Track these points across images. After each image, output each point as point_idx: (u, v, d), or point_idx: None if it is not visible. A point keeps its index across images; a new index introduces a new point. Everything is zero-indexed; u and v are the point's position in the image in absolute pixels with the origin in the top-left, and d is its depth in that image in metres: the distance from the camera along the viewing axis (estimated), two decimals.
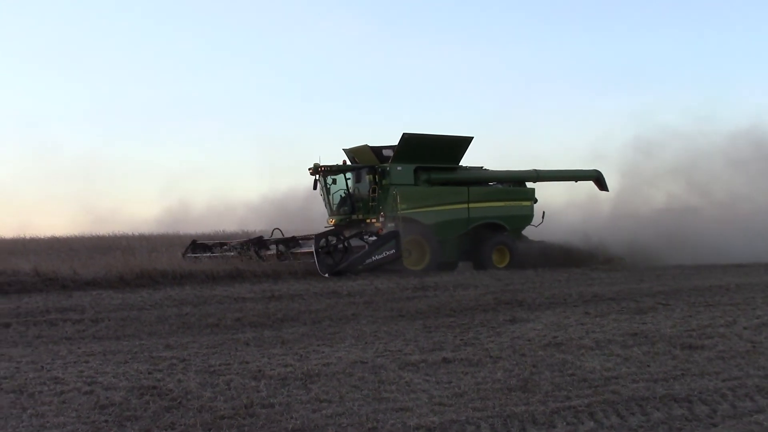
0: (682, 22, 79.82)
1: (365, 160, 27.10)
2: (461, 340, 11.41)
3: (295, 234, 25.75)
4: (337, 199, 26.99)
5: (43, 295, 17.68)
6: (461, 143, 27.45)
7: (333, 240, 23.33)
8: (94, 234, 41.22)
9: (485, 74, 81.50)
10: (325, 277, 21.85)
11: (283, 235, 26.10)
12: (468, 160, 28.25)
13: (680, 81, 76.39)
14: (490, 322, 13.22)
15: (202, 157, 73.60)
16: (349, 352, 10.49)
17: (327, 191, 27.16)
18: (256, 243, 25.56)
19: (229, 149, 74.59)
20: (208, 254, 25.97)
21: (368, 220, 25.64)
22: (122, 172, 69.42)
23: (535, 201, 29.03)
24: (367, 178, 26.23)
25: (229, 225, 41.68)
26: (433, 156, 26.79)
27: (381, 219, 25.30)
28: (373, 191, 25.91)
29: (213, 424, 6.96)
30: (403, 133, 26.16)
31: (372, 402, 7.67)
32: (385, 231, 24.39)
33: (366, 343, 11.30)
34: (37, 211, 66.49)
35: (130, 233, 40.20)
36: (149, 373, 9.16)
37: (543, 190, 30.05)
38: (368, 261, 23.18)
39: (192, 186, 73.06)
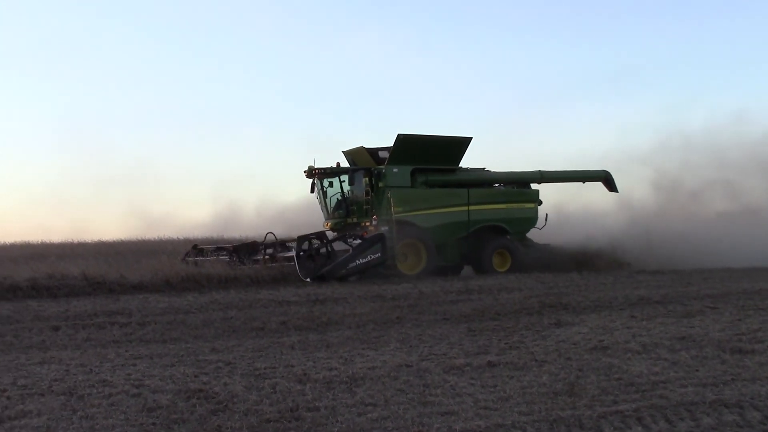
0: (705, 21, 78.54)
1: (362, 162, 26.57)
2: (506, 343, 11.35)
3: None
4: (334, 202, 26.46)
5: (91, 299, 17.92)
6: (460, 144, 26.77)
7: (315, 243, 22.72)
8: (140, 238, 41.65)
9: (494, 74, 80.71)
10: (307, 281, 21.38)
11: (276, 239, 25.43)
12: (471, 161, 27.70)
13: (706, 82, 75.16)
14: (534, 326, 13.13)
15: (252, 162, 73.99)
16: (394, 355, 10.48)
17: (324, 194, 26.61)
18: (244, 248, 24.96)
19: (279, 153, 74.85)
20: (204, 258, 25.40)
21: (363, 224, 25.06)
22: (174, 176, 70.07)
23: (540, 203, 28.27)
24: (362, 180, 25.62)
25: (277, 229, 41.89)
26: (430, 157, 26.12)
27: (373, 222, 24.65)
28: (368, 194, 25.38)
29: (259, 427, 6.99)
30: (398, 134, 25.51)
31: (417, 406, 7.66)
32: (370, 234, 23.68)
33: (410, 346, 11.29)
34: (90, 216, 67.52)
35: (175, 237, 40.58)
36: (195, 377, 9.24)
37: (561, 193, 29.54)
38: (352, 265, 22.49)
39: (242, 190, 73.43)
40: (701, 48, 78.96)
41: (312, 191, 26.76)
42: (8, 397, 8.23)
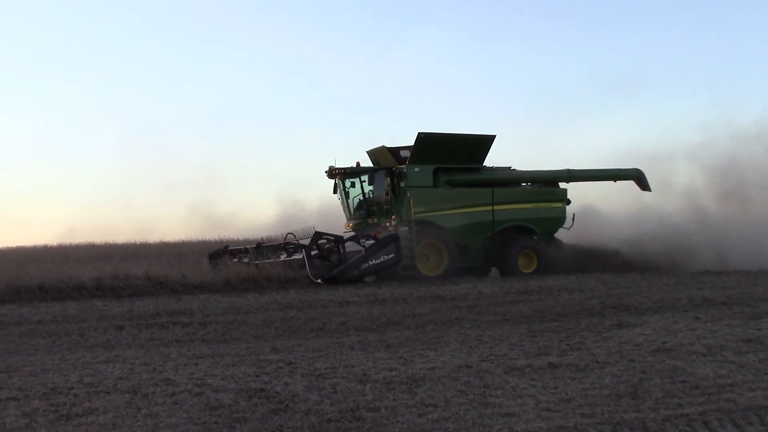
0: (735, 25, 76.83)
1: (384, 162, 26.11)
2: (567, 344, 11.23)
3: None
4: (356, 203, 26.12)
5: (153, 299, 18.20)
6: (483, 142, 26.14)
7: (326, 244, 22.33)
8: (202, 239, 42.18)
9: (525, 73, 79.77)
10: (318, 283, 21.05)
11: (297, 240, 24.60)
12: (498, 161, 27.19)
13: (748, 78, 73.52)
14: (596, 327, 12.98)
15: (316, 163, 74.60)
16: (454, 356, 10.44)
17: (346, 195, 26.27)
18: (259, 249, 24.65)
19: (338, 153, 75.33)
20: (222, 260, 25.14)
21: (383, 224, 24.61)
22: (239, 178, 70.83)
23: (568, 202, 27.52)
24: (383, 180, 25.27)
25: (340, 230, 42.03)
26: (453, 156, 25.57)
27: (392, 222, 24.15)
28: (387, 194, 24.99)
29: (320, 427, 7.02)
30: (419, 133, 24.99)
31: (478, 407, 7.61)
32: (384, 235, 23.25)
33: (470, 347, 11.23)
34: (156, 218, 68.65)
35: (236, 237, 40.98)
36: (257, 376, 9.31)
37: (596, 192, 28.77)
38: (364, 266, 22.07)
39: (306, 191, 73.86)
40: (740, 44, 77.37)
41: (335, 192, 26.49)
42: (75, 395, 8.39)
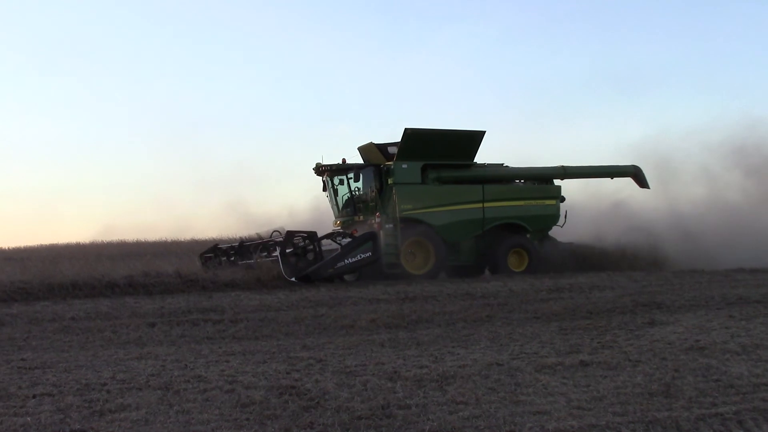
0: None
1: (373, 159, 25.47)
2: (598, 342, 11.16)
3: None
4: (345, 200, 25.40)
5: (185, 296, 18.30)
6: (472, 138, 25.26)
7: (301, 242, 21.92)
8: (233, 237, 42.32)
9: (524, 70, 79.10)
10: (292, 281, 20.69)
11: (281, 236, 23.63)
12: (495, 157, 26.60)
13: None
14: (627, 325, 12.89)
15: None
16: (485, 354, 10.42)
17: (334, 192, 25.54)
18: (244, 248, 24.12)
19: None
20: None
21: (369, 222, 23.99)
22: (274, 176, 71.08)
23: (562, 200, 26.70)
24: (370, 177, 24.70)
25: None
26: (442, 153, 24.82)
27: (376, 220, 23.48)
28: (372, 191, 24.52)
29: (351, 424, 7.02)
30: (406, 129, 24.14)
31: (509, 405, 7.59)
32: (361, 232, 22.77)
33: (501, 345, 11.20)
34: (191, 216, 69.03)
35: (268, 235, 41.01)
36: (287, 373, 9.34)
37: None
38: (340, 264, 21.42)
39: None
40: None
41: (324, 190, 25.92)
42: (108, 391, 8.46)
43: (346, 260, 21.44)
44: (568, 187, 27.67)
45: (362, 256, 21.59)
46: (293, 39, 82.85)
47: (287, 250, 21.56)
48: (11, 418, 7.34)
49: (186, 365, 10.06)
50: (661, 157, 32.11)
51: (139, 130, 75.77)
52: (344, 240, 22.44)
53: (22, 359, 10.87)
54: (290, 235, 21.93)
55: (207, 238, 43.03)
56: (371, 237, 21.97)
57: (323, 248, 22.28)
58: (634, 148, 37.99)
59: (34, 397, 8.27)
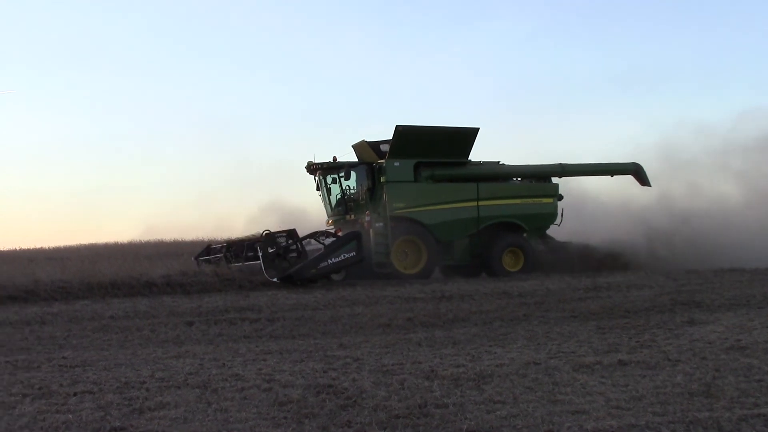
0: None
1: (365, 157, 25.08)
2: (637, 341, 11.07)
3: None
4: (337, 199, 25.25)
5: (222, 295, 18.42)
6: (466, 135, 25.00)
7: (284, 242, 21.59)
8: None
9: (526, 67, 78.14)
10: (274, 282, 20.33)
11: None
12: (492, 155, 26.15)
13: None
14: (666, 324, 12.77)
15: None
16: (522, 353, 10.37)
17: (328, 191, 25.35)
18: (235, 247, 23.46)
19: None
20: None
21: (359, 221, 23.67)
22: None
23: (560, 198, 26.15)
24: (362, 175, 24.44)
25: None
26: (435, 150, 24.44)
27: (366, 218, 23.24)
28: (369, 189, 24.22)
29: (388, 423, 7.02)
30: (397, 126, 23.82)
31: (547, 404, 7.54)
32: (345, 232, 22.37)
33: (538, 344, 11.15)
34: (233, 214, 69.38)
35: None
36: (324, 372, 9.36)
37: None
38: (323, 265, 20.79)
39: None
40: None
41: (318, 189, 25.61)
42: (147, 389, 8.54)
43: (329, 260, 20.93)
44: (568, 185, 27.36)
45: (346, 256, 21.07)
46: (332, 40, 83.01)
47: (269, 250, 21.28)
48: (53, 416, 7.43)
49: (224, 364, 10.12)
50: (663, 155, 31.62)
51: (183, 129, 76.26)
52: (328, 239, 22.13)
53: (63, 357, 11.02)
54: (271, 235, 21.65)
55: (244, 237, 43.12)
56: (355, 236, 21.46)
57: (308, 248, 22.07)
58: (637, 145, 37.42)
59: (75, 394, 8.36)
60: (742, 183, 31.31)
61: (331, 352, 10.90)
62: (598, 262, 25.51)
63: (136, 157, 76.83)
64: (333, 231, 22.91)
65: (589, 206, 28.66)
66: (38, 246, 38.22)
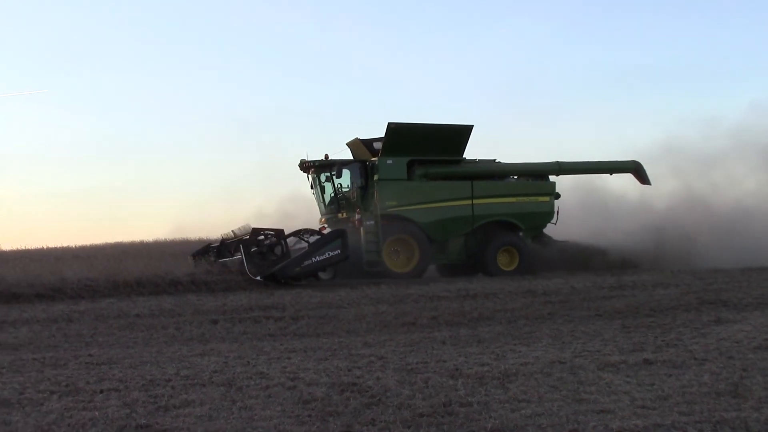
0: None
1: (359, 154, 25.09)
2: (662, 340, 10.99)
3: None
4: (330, 197, 25.13)
5: (246, 293, 18.50)
6: (459, 133, 24.88)
7: (267, 240, 21.43)
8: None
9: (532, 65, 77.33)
10: (257, 280, 20.15)
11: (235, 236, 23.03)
12: (494, 153, 26.34)
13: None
14: (693, 323, 12.66)
15: None
16: (547, 351, 10.32)
17: (321, 189, 25.18)
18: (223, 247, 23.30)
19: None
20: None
21: (351, 220, 23.58)
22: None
23: (557, 196, 25.89)
24: (355, 173, 24.38)
25: None
26: (428, 148, 24.30)
27: (357, 216, 23.15)
28: (362, 187, 24.11)
29: (412, 421, 7.00)
30: (389, 123, 23.79)
31: (572, 403, 7.50)
32: (329, 230, 22.32)
33: (563, 342, 11.10)
34: (260, 214, 69.46)
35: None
36: (349, 370, 9.36)
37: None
38: (307, 263, 20.57)
39: None
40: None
41: (312, 187, 25.50)
42: (172, 387, 8.58)
43: (313, 258, 20.67)
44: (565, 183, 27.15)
45: (330, 254, 20.77)
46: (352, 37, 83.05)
47: (252, 249, 21.18)
48: (80, 413, 7.48)
49: (248, 362, 10.15)
50: (665, 153, 31.22)
51: (211, 127, 76.53)
52: (312, 237, 21.95)
53: (90, 355, 11.11)
54: (255, 232, 21.54)
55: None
56: (340, 234, 21.21)
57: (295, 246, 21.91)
58: (640, 143, 36.86)
59: (101, 392, 8.42)
60: (755, 179, 31.00)
61: (355, 351, 10.90)
62: (597, 261, 25.38)
63: (167, 156, 77.19)
64: (317, 229, 22.75)
65: (587, 205, 28.51)
66: (65, 244, 38.50)
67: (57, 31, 74.78)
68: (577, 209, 27.52)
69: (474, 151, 26.57)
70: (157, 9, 79.15)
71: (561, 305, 15.45)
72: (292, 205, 31.00)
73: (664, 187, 29.98)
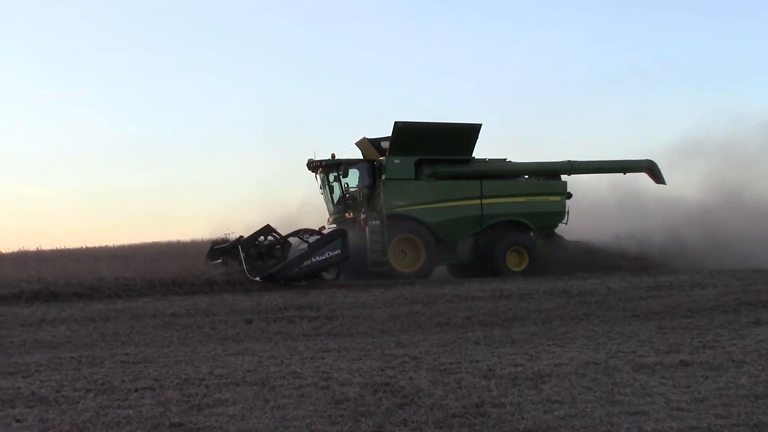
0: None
1: (367, 154, 24.89)
2: (699, 342, 10.85)
3: None
4: (338, 197, 24.94)
5: (281, 293, 18.56)
6: (468, 132, 24.59)
7: (267, 240, 21.28)
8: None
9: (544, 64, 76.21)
10: (257, 281, 19.97)
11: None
12: (506, 153, 25.66)
13: None
14: (731, 324, 12.50)
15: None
16: (581, 352, 10.24)
17: (330, 189, 25.01)
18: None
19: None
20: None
21: (357, 220, 23.44)
22: None
23: (569, 196, 25.54)
24: (363, 173, 24.20)
25: None
26: (436, 147, 24.08)
27: (362, 216, 23.03)
28: (370, 187, 23.94)
29: (444, 422, 6.99)
30: (395, 122, 23.57)
31: (605, 404, 7.43)
32: (328, 230, 22.10)
33: (598, 343, 11.01)
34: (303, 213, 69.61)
35: None
36: (382, 370, 9.35)
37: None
38: (306, 263, 20.32)
39: None
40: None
41: (321, 187, 25.34)
42: (206, 386, 8.63)
43: (313, 258, 20.43)
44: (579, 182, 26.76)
45: (331, 254, 20.55)
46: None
47: (251, 249, 21.06)
48: (114, 411, 7.55)
49: (282, 361, 10.19)
50: (683, 151, 30.70)
51: (252, 126, 76.84)
52: (312, 237, 21.74)
53: (126, 354, 11.21)
54: (255, 235, 21.44)
55: None
56: (340, 234, 21.04)
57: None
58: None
59: (136, 390, 8.49)
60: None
61: (388, 351, 10.90)
62: (610, 262, 24.84)
63: (207, 156, 77.55)
64: (317, 229, 22.49)
65: (600, 204, 28.13)
66: (104, 244, 38.87)
67: (101, 32, 75.49)
68: (591, 207, 27.17)
69: (493, 150, 26.39)
70: (184, 15, 79.53)
71: (596, 306, 15.34)
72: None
73: (689, 185, 29.59)
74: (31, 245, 32.18)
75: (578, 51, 74.32)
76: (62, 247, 34.48)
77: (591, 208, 27.23)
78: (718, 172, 30.28)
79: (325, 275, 21.88)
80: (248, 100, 75.54)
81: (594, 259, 24.77)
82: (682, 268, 24.08)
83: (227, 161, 70.64)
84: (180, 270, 20.55)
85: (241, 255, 20.73)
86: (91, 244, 36.07)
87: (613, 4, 73.39)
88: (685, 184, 30.15)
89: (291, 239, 22.07)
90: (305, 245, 21.63)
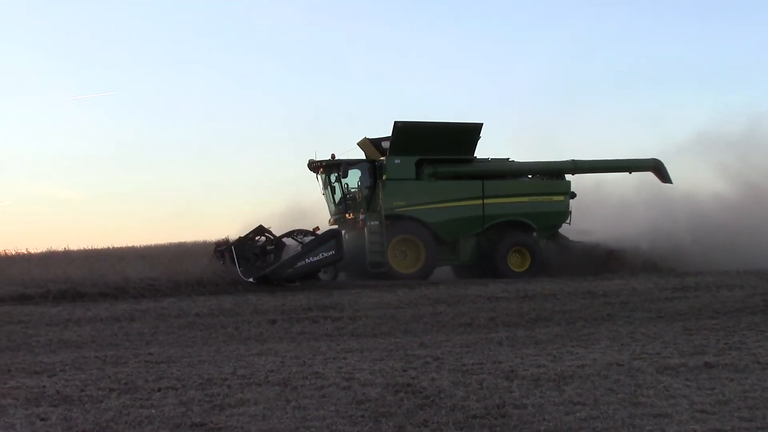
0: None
1: (368, 154, 24.65)
2: (725, 344, 10.75)
3: None
4: (339, 197, 24.76)
5: (305, 294, 18.59)
6: (469, 131, 24.27)
7: (259, 240, 21.13)
8: None
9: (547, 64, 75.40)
10: (250, 282, 19.81)
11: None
12: (511, 152, 25.51)
13: None
14: (758, 326, 12.38)
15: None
16: (604, 353, 10.19)
17: (332, 189, 24.78)
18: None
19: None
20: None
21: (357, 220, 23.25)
22: None
23: (573, 196, 25.13)
24: (364, 173, 23.96)
25: None
26: (437, 147, 23.80)
27: (361, 217, 22.81)
28: (371, 187, 23.72)
29: (465, 423, 6.97)
30: (395, 122, 23.32)
31: (628, 406, 7.38)
32: (322, 230, 21.67)
33: (622, 344, 10.94)
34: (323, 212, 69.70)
35: None
36: (404, 371, 9.35)
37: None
38: (300, 264, 20.10)
39: None
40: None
41: (324, 187, 25.05)
42: (229, 386, 8.67)
43: (307, 259, 20.22)
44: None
45: (324, 255, 20.28)
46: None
47: (243, 250, 20.98)
48: (137, 410, 7.60)
49: (304, 362, 10.21)
50: (692, 150, 30.22)
51: (273, 125, 77.06)
52: (306, 238, 21.58)
53: (150, 353, 11.29)
54: (248, 236, 21.40)
55: None
56: (334, 235, 20.84)
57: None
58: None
59: (159, 390, 8.54)
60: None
61: (411, 351, 10.89)
62: (615, 263, 24.59)
63: (235, 157, 77.84)
64: (311, 230, 22.21)
65: (605, 204, 27.73)
66: (130, 244, 39.15)
67: (130, 32, 76.01)
68: (596, 207, 26.79)
69: (505, 150, 26.16)
70: (208, 17, 79.90)
71: (621, 306, 15.25)
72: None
73: (700, 184, 29.15)
74: (58, 246, 32.39)
75: (586, 50, 74.02)
76: (89, 247, 34.81)
77: (615, 208, 26.90)
78: (742, 168, 29.88)
79: (322, 276, 21.85)
80: (268, 99, 75.83)
81: (605, 260, 24.61)
82: (707, 268, 23.81)
83: (254, 161, 71.00)
84: (205, 270, 20.64)
85: (234, 256, 20.72)
86: (117, 245, 36.40)
87: (621, 4, 73.03)
88: (705, 181, 29.76)
89: (285, 240, 22.04)
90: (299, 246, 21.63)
